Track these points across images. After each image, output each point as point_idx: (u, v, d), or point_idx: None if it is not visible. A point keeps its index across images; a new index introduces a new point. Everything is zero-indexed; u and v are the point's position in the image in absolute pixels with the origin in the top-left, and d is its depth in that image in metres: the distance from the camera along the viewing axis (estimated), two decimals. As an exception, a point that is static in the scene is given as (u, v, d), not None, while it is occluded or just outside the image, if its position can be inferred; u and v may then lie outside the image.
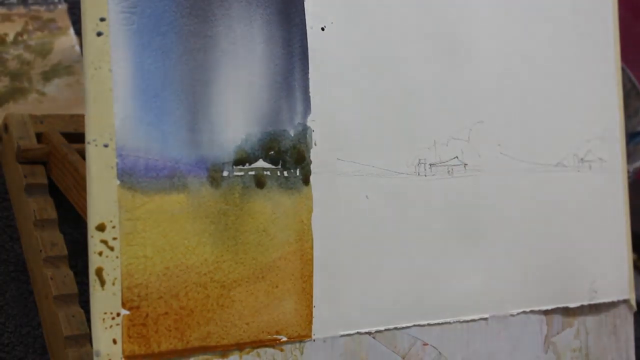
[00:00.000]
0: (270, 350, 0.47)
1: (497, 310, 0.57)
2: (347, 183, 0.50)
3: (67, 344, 0.54)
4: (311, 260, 0.49)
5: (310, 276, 0.49)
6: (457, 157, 0.56)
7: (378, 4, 0.52)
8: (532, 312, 0.59)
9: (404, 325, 0.53)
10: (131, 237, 0.42)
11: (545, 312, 0.60)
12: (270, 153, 0.47)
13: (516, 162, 0.59)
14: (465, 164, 0.56)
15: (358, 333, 0.51)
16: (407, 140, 0.53)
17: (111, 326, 0.42)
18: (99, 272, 0.42)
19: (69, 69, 0.79)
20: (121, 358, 0.42)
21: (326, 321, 0.49)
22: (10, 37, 0.79)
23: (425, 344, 0.54)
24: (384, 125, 0.52)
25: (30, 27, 0.80)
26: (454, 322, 0.55)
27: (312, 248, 0.49)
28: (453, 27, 0.56)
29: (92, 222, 0.42)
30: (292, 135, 0.48)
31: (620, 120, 0.66)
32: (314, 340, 0.49)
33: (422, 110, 0.54)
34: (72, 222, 0.64)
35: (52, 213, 0.60)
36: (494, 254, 0.57)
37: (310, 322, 0.48)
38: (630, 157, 0.79)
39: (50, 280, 0.56)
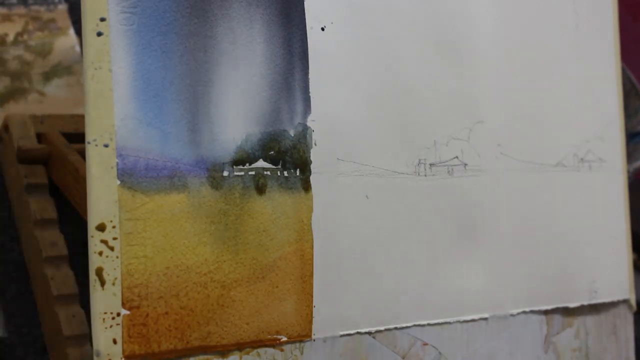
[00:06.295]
0: (270, 350, 0.47)
1: (497, 310, 0.57)
2: (347, 183, 0.50)
3: (67, 344, 0.54)
4: (311, 260, 0.49)
5: (310, 276, 0.48)
6: (457, 157, 0.56)
7: (378, 4, 0.52)
8: (532, 312, 0.59)
9: (404, 325, 0.53)
10: (131, 237, 0.42)
11: (545, 312, 0.60)
12: (270, 153, 0.47)
13: (516, 162, 0.59)
14: (465, 164, 0.56)
15: (358, 333, 0.51)
16: (407, 140, 0.53)
17: (111, 326, 0.42)
18: (99, 272, 0.42)
19: (69, 69, 0.79)
20: (121, 358, 0.42)
21: (326, 321, 0.49)
22: (10, 37, 0.79)
23: (425, 344, 0.54)
24: (384, 125, 0.52)
25: (30, 27, 0.80)
26: (454, 322, 0.55)
27: (312, 248, 0.49)
28: (453, 27, 0.56)
29: (92, 222, 0.42)
30: (292, 135, 0.48)
31: (620, 120, 0.66)
32: (314, 340, 0.49)
33: (422, 110, 0.54)
34: (72, 222, 0.64)
35: (52, 213, 0.60)
36: (494, 254, 0.57)
37: (310, 322, 0.48)
38: (630, 157, 0.79)
39: (50, 280, 0.56)
